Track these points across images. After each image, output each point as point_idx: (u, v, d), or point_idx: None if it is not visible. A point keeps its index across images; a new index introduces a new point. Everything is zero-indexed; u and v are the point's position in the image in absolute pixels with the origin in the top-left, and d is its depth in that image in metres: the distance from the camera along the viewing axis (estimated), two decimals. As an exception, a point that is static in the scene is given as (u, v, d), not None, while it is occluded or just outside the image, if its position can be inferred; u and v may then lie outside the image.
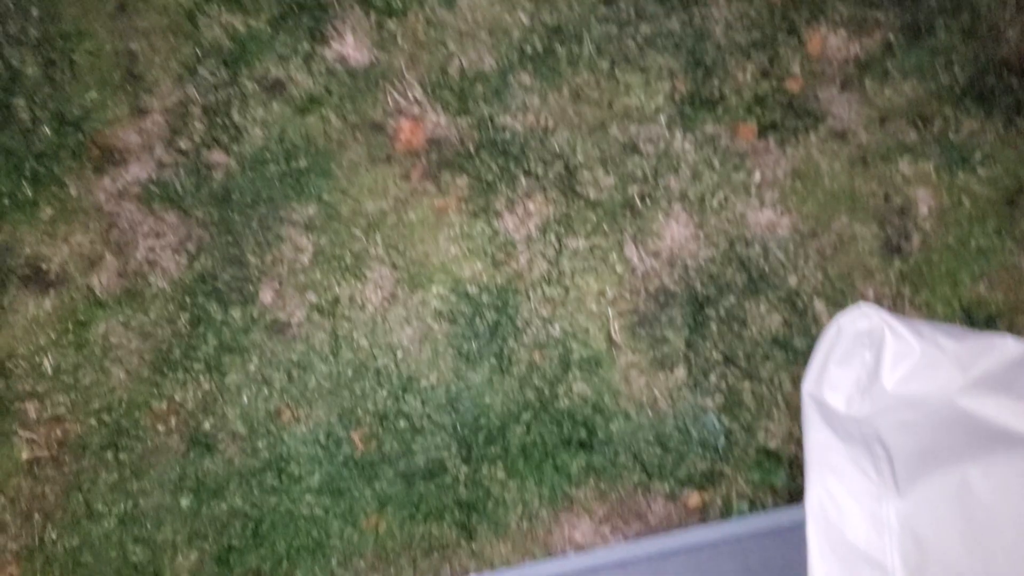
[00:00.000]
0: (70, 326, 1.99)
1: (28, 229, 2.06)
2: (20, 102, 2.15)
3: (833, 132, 2.19)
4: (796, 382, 1.97)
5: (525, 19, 2.28)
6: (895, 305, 2.03)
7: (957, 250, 2.08)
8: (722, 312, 2.03)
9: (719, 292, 2.05)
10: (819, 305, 2.04)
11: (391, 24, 2.27)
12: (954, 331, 1.77)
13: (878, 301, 2.04)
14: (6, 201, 2.07)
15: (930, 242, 2.09)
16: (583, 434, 1.93)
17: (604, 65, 2.24)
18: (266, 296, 2.03)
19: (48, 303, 2.01)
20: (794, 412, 1.95)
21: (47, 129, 2.13)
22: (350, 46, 2.25)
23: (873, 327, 1.77)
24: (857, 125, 2.19)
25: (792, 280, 2.06)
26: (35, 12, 2.23)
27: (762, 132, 2.19)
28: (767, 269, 2.07)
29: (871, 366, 1.75)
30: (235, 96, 2.18)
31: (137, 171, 2.12)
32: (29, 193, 2.08)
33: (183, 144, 2.14)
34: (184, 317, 2.00)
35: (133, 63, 2.21)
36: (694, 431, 1.95)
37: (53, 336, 1.98)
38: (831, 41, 2.26)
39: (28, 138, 2.12)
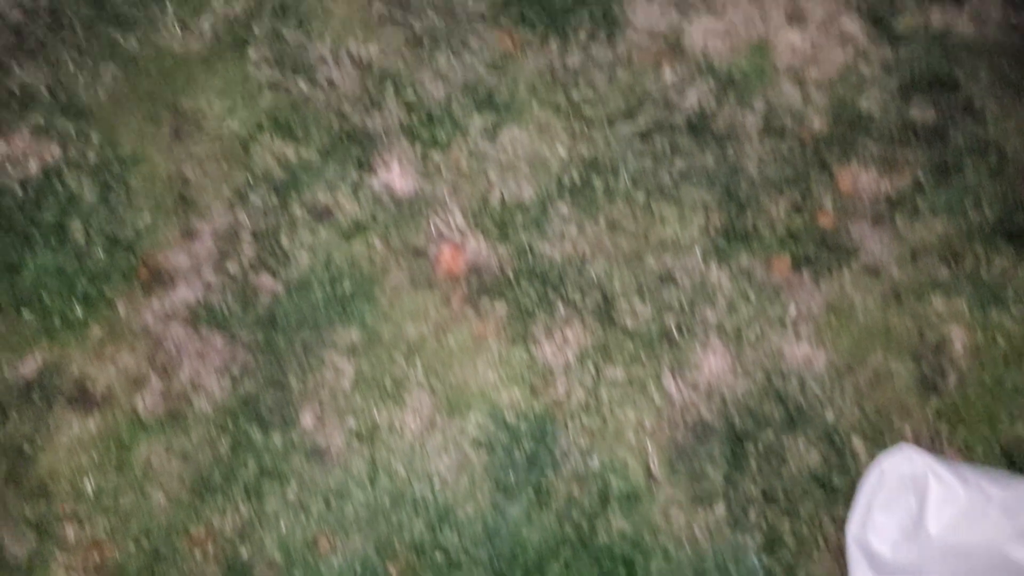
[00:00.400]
0: (112, 448, 2.01)
1: (77, 349, 2.10)
2: (76, 224, 2.22)
3: (866, 267, 2.23)
4: (836, 521, 1.96)
5: (563, 152, 2.37)
6: (933, 444, 2.03)
7: (993, 389, 2.09)
8: (760, 447, 2.03)
9: (757, 426, 2.05)
10: (857, 442, 2.04)
11: (435, 155, 2.35)
12: (999, 476, 1.77)
13: (916, 439, 2.04)
14: (57, 321, 2.12)
15: (966, 380, 2.10)
16: (622, 573, 1.91)
17: (640, 197, 2.31)
18: (307, 421, 2.05)
19: (92, 424, 2.03)
20: (835, 552, 1.93)
21: (100, 251, 2.20)
22: (396, 175, 2.33)
23: (916, 471, 1.78)
24: (889, 261, 2.24)
25: (829, 416, 2.07)
26: (95, 138, 2.33)
27: (796, 266, 2.24)
28: (804, 404, 2.08)
29: (916, 512, 1.75)
30: (284, 222, 2.25)
31: (185, 293, 2.17)
32: (80, 314, 2.13)
33: (231, 268, 2.20)
34: (225, 441, 2.02)
35: (186, 188, 2.29)
36: (734, 570, 1.92)
37: (95, 457, 2.00)
38: (862, 178, 2.33)
39: (82, 259, 2.18)
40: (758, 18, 2.54)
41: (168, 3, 2.51)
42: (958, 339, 2.14)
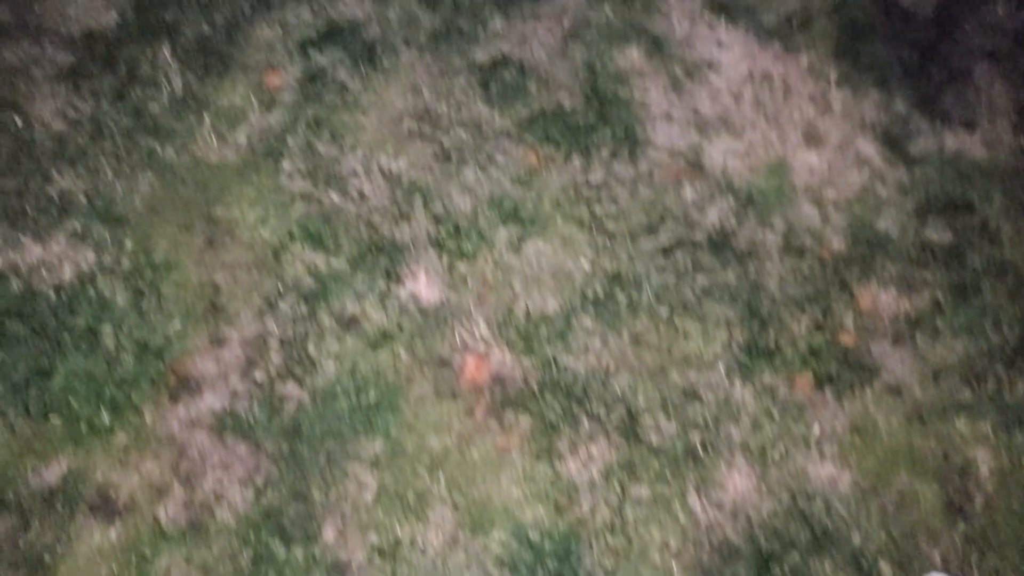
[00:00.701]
0: (133, 559, 1.99)
1: (102, 456, 2.10)
2: (107, 330, 2.25)
3: (888, 387, 2.24)
4: (866, 650, 1.92)
5: (587, 266, 2.41)
6: (962, 570, 2.01)
7: (1021, 514, 2.08)
8: (787, 570, 2.01)
9: (783, 548, 2.03)
10: (885, 567, 2.02)
11: (462, 266, 2.40)
12: (1032, 610, 1.74)
13: (944, 565, 2.01)
14: (84, 427, 2.12)
15: (993, 504, 2.09)
16: None
17: (663, 312, 2.34)
18: (329, 534, 2.03)
19: (113, 533, 2.02)
20: None
21: (130, 357, 2.22)
22: (423, 285, 2.37)
23: (949, 602, 1.74)
24: (911, 381, 2.25)
25: (856, 538, 2.05)
26: (130, 245, 2.38)
27: (819, 384, 2.25)
28: (830, 526, 2.06)
29: (950, 646, 1.71)
30: (312, 330, 2.28)
31: (212, 400, 2.18)
32: (107, 420, 2.14)
33: (258, 375, 2.22)
34: (247, 554, 2.00)
35: (217, 295, 2.33)
36: None
37: (115, 569, 1.98)
38: (882, 298, 2.36)
39: (111, 365, 2.20)
40: (776, 139, 2.62)
41: (206, 115, 2.61)
42: (983, 462, 2.14)
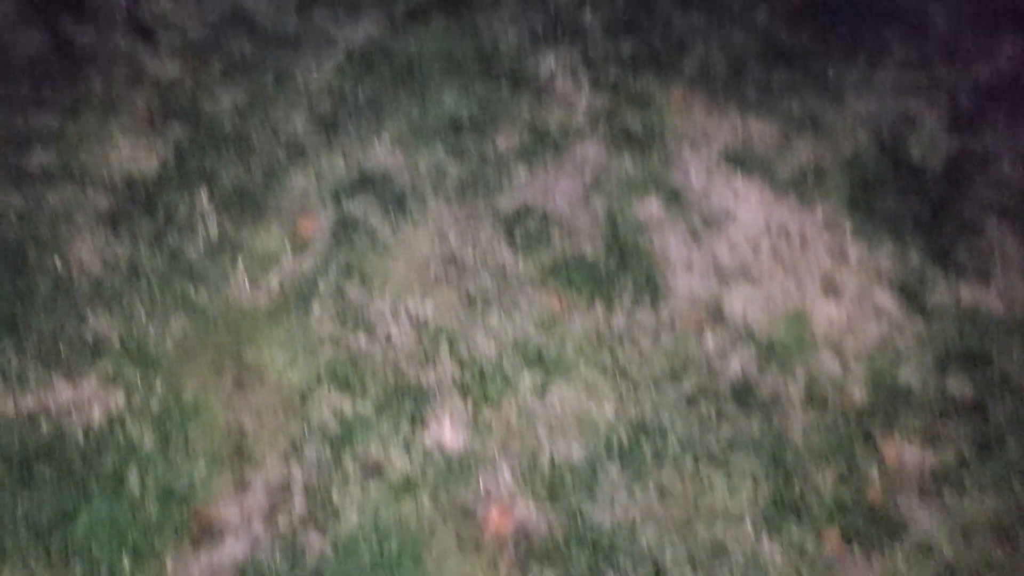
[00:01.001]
0: None
1: (120, 607, 2.07)
2: (133, 474, 2.25)
3: (917, 545, 2.22)
4: None
5: (611, 413, 2.43)
6: None
7: None
8: None
9: None
10: None
11: (486, 411, 2.42)
12: None
13: None
14: (104, 575, 2.10)
15: (1034, 673, 2.03)
16: None
17: (688, 463, 2.34)
18: None
19: None
20: None
21: (154, 502, 2.21)
22: (447, 431, 2.38)
23: None
24: (941, 538, 2.22)
25: None
26: (159, 387, 2.42)
27: (846, 540, 2.22)
28: None
29: None
30: (336, 477, 2.28)
31: (233, 548, 2.17)
32: (127, 567, 2.12)
33: (281, 522, 2.20)
34: None
35: (243, 439, 2.34)
36: None
37: None
38: (906, 451, 2.37)
39: (135, 511, 2.20)
40: (794, 288, 2.68)
41: (240, 259, 2.69)
42: (1020, 627, 2.09)
